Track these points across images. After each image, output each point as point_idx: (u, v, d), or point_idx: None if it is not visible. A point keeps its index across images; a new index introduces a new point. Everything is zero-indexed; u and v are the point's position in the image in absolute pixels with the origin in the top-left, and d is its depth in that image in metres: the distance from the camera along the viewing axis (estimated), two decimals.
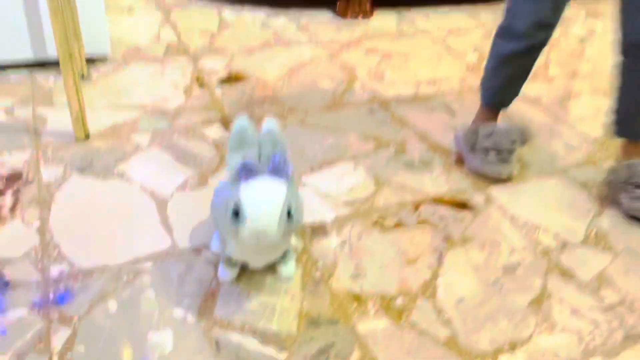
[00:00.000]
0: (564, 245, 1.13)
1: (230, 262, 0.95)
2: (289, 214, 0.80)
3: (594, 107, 1.68)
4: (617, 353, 0.91)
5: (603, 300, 1.01)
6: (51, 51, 1.62)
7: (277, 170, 0.82)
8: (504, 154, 1.29)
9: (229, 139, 0.89)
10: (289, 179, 0.83)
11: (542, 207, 1.24)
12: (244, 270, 0.99)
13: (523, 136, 1.32)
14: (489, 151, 1.29)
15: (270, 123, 0.90)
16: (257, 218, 0.78)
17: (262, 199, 0.79)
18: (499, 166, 1.29)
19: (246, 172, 0.81)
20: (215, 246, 1.02)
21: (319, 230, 1.12)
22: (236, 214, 0.79)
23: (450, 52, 1.98)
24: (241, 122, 0.89)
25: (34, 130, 1.37)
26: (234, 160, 0.87)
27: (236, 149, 0.89)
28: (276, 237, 0.79)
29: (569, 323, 0.96)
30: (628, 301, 1.01)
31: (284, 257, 0.97)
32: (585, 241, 1.15)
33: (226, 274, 0.97)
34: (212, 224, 1.02)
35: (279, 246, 0.91)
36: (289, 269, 0.98)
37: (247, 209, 0.78)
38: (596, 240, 1.15)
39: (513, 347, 0.91)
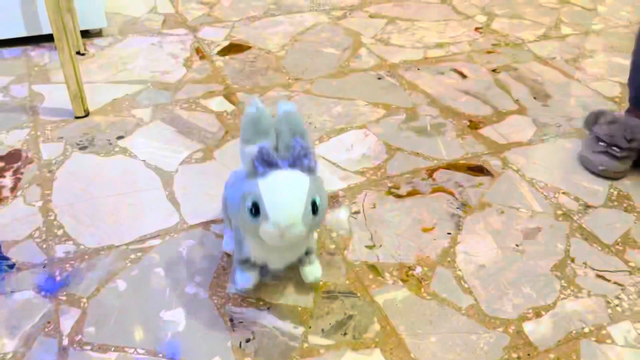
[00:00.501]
0: (585, 208, 1.09)
1: (247, 265, 0.85)
2: (314, 205, 0.72)
3: (608, 66, 1.62)
4: None
5: (628, 262, 0.97)
6: (45, 26, 1.56)
7: (298, 159, 0.73)
8: (613, 149, 1.15)
9: (240, 127, 0.76)
10: (312, 168, 0.74)
11: (561, 169, 1.19)
12: None
13: None
14: (600, 140, 1.17)
15: (286, 106, 0.76)
16: (279, 213, 0.70)
17: (284, 192, 0.70)
18: (600, 157, 1.15)
19: (263, 160, 0.72)
20: (228, 246, 0.94)
21: (331, 200, 1.08)
22: (255, 210, 0.71)
23: (457, 15, 1.91)
24: (253, 108, 0.75)
25: (31, 109, 1.32)
26: (249, 152, 0.75)
27: (249, 140, 0.76)
28: (302, 232, 0.72)
29: (594, 287, 0.92)
30: None
31: (307, 255, 0.87)
32: (607, 203, 1.10)
33: (244, 280, 0.85)
34: (225, 221, 0.92)
35: (302, 243, 0.83)
36: (315, 271, 0.88)
37: (268, 204, 0.70)
38: (618, 201, 1.11)
39: (538, 313, 0.87)
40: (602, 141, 1.16)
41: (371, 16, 1.87)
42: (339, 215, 1.04)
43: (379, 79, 1.50)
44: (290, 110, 0.76)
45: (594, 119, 1.21)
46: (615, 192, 1.13)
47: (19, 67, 1.49)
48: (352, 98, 1.41)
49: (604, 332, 0.85)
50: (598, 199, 1.11)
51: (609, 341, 0.84)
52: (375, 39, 1.71)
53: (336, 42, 1.68)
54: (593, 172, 1.17)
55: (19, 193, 1.07)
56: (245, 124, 0.75)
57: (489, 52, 1.66)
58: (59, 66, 1.48)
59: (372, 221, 1.04)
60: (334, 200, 1.08)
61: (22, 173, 1.12)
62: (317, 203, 0.73)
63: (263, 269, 0.89)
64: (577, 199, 1.11)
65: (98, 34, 1.67)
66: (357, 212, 1.06)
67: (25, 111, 1.31)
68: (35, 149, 1.19)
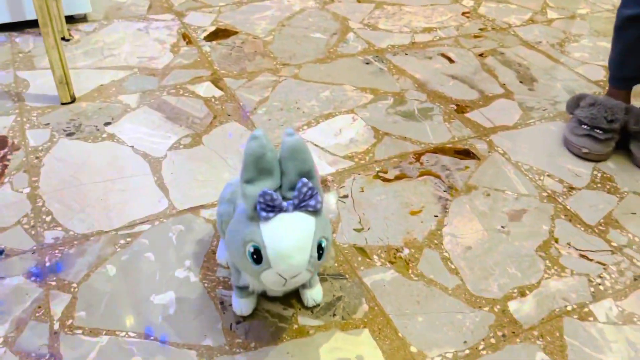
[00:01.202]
0: (569, 190, 1.11)
1: (245, 292, 0.82)
2: (320, 249, 0.69)
3: (593, 50, 1.64)
4: (626, 295, 0.90)
5: (610, 242, 1.00)
6: (29, 12, 1.54)
7: (304, 201, 0.69)
8: (596, 131, 1.16)
9: (242, 165, 0.70)
10: (318, 210, 0.70)
11: (545, 151, 1.21)
12: None
13: (637, 120, 1.16)
14: (582, 123, 1.18)
15: (291, 140, 0.68)
16: (283, 264, 0.66)
17: (288, 241, 0.66)
18: (584, 141, 1.17)
19: (266, 205, 0.67)
20: (221, 256, 0.92)
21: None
22: (256, 256, 0.68)
23: None
24: (256, 143, 0.67)
25: (17, 95, 1.31)
26: (251, 193, 0.68)
27: (252, 179, 0.68)
28: (305, 279, 0.70)
29: (577, 267, 0.95)
30: (636, 243, 0.99)
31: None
32: (590, 185, 1.12)
33: (242, 307, 0.82)
34: (220, 233, 0.86)
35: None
36: (316, 295, 0.85)
37: (271, 254, 0.66)
38: (602, 183, 1.13)
39: (522, 292, 0.89)
40: (585, 124, 1.18)
41: (359, 1, 1.86)
42: (328, 200, 1.05)
43: (367, 64, 1.50)
44: (296, 146, 0.69)
45: (575, 102, 1.22)
46: (599, 174, 1.15)
47: (4, 54, 1.47)
48: (340, 83, 1.41)
49: (586, 309, 0.87)
50: (582, 181, 1.13)
51: (591, 318, 0.86)
52: (363, 23, 1.71)
53: (324, 27, 1.68)
54: (577, 155, 1.19)
55: (6, 180, 1.07)
56: (247, 162, 0.68)
57: (476, 37, 1.67)
58: (44, 52, 1.46)
59: (360, 205, 1.05)
60: (323, 184, 1.09)
61: (8, 160, 1.12)
62: (324, 246, 0.70)
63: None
64: (561, 181, 1.13)
65: (83, 19, 1.65)
66: (345, 196, 1.07)
67: (11, 98, 1.30)
68: (21, 135, 1.18)
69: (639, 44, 1.16)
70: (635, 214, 1.06)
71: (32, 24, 1.59)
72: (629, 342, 0.83)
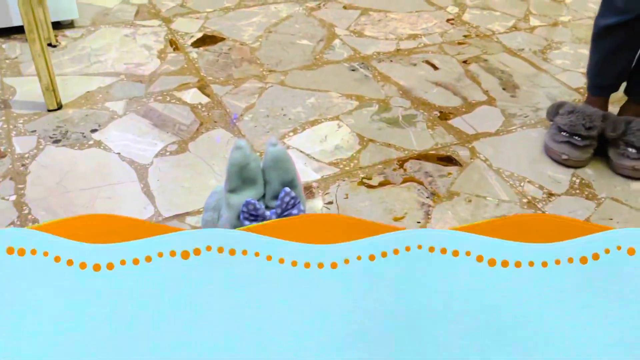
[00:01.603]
0: (549, 196, 1.13)
1: None
2: None
3: (574, 57, 1.67)
4: None
5: None
6: (16, 18, 1.54)
7: (287, 210, 0.71)
8: (575, 138, 1.19)
9: (226, 175, 0.71)
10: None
11: (526, 158, 1.24)
12: None
13: (614, 127, 1.18)
14: (562, 130, 1.21)
15: (274, 150, 0.72)
16: None
17: None
18: (562, 147, 1.20)
19: (250, 214, 0.70)
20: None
21: (305, 191, 1.10)
22: None
23: (430, 6, 1.94)
24: (240, 153, 0.70)
25: (3, 102, 1.31)
26: (235, 202, 0.71)
27: (236, 189, 0.72)
28: None
29: None
30: None
31: None
32: (569, 191, 1.15)
33: None
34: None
35: None
36: None
37: None
38: (580, 189, 1.16)
39: None
40: (564, 131, 1.21)
41: (345, 7, 1.88)
42: (313, 206, 1.07)
43: (353, 70, 1.52)
44: (279, 156, 0.71)
45: (555, 109, 1.25)
46: (578, 181, 1.18)
47: None
48: (326, 90, 1.43)
49: None
50: (561, 187, 1.16)
51: None
52: (349, 30, 1.73)
53: (310, 34, 1.70)
54: (557, 161, 1.22)
55: None
56: (231, 172, 0.71)
57: (460, 44, 1.70)
58: (30, 58, 1.47)
59: (344, 211, 1.06)
60: (308, 191, 1.11)
61: None
62: None
63: None
64: (541, 188, 1.15)
65: (70, 25, 1.65)
66: (330, 203, 1.08)
67: None
68: (7, 142, 1.19)
69: (616, 53, 1.19)
70: (612, 219, 1.08)
71: (19, 30, 1.59)
72: None
